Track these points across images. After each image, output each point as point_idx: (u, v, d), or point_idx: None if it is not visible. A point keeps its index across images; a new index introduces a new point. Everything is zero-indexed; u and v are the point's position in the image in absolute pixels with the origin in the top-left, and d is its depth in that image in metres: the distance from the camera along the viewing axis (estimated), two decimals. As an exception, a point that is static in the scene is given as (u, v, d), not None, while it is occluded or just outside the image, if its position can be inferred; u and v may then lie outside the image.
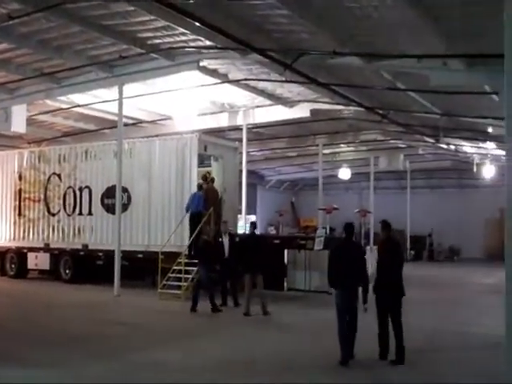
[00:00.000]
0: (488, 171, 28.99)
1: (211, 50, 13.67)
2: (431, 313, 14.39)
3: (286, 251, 17.49)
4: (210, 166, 19.26)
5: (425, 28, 10.66)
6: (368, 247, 25.61)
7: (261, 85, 17.51)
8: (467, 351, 10.51)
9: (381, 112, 18.55)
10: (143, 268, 18.88)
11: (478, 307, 15.94)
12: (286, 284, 17.48)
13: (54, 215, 20.78)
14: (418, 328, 11.60)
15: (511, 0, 6.30)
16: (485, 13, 9.56)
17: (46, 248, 20.61)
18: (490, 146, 24.20)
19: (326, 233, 18.48)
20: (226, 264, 15.19)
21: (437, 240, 38.21)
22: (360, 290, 9.32)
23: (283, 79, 15.27)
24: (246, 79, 16.44)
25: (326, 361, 9.03)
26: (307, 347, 10.27)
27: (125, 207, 18.36)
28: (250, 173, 26.38)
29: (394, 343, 9.02)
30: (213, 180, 17.91)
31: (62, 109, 20.50)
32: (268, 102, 19.34)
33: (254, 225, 15.37)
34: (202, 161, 19.11)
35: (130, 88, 16.80)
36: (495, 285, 19.15)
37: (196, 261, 15.77)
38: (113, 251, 17.04)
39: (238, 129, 21.67)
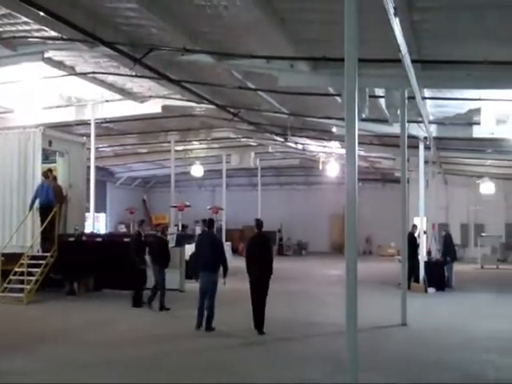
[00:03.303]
0: (332, 169, 30.48)
1: (57, 41, 12.99)
2: (283, 304, 14.89)
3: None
4: (55, 162, 18.47)
5: (273, 30, 10.89)
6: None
7: (110, 79, 16.97)
8: (314, 339, 11.08)
9: (232, 110, 18.79)
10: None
11: (325, 298, 16.77)
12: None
13: None
14: (271, 318, 12.09)
15: (351, 9, 6.63)
16: (328, 19, 9.97)
17: None
18: (335, 145, 25.46)
19: (177, 230, 18.47)
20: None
21: (286, 235, 39.55)
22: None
23: (133, 74, 14.93)
24: (93, 72, 15.85)
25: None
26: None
27: (-40, 205, 17.07)
28: (98, 169, 25.62)
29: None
30: (55, 178, 17.24)
31: None
32: (118, 96, 18.81)
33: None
34: (47, 156, 18.30)
35: (-34, 78, 15.58)
36: (339, 276, 20.24)
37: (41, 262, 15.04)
38: None
39: (86, 123, 20.87)
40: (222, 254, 12.09)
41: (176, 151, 27.26)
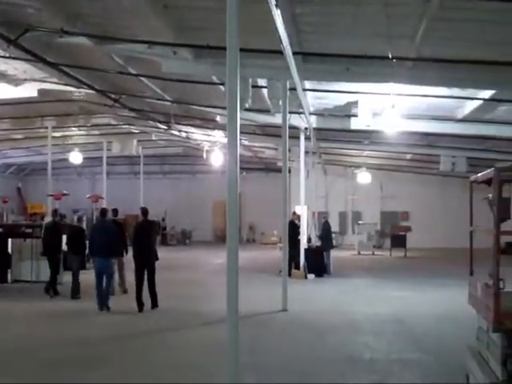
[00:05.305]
0: (217, 158, 30.57)
1: None
2: (169, 294, 14.79)
3: (9, 240, 16.46)
4: None
5: (155, 15, 10.68)
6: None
7: (-18, 60, 15.93)
8: (199, 327, 11.20)
9: (113, 96, 18.30)
10: None
11: (209, 286, 16.82)
12: (10, 276, 16.45)
13: None
14: (159, 308, 12.69)
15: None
16: (211, 7, 9.93)
17: None
18: (219, 134, 25.55)
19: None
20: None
21: (170, 224, 39.14)
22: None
23: (7, 55, 14.10)
24: (-38, 52, 14.81)
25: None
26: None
27: None
28: (-31, 156, 24.08)
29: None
30: None
31: None
32: (-10, 78, 17.72)
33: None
34: None
35: None
36: (223, 264, 20.41)
37: None
38: None
39: (-45, 107, 19.55)
40: (116, 240, 13.24)
41: (53, 137, 26.19)
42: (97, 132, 29.07)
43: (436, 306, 13.78)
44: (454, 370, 7.83)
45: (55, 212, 16.55)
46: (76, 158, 30.78)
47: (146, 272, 12.71)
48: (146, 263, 12.66)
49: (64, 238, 15.48)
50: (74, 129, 27.72)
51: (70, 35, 11.96)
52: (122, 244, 14.53)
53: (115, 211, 15.78)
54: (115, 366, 8.52)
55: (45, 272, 15.76)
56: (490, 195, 5.57)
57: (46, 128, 25.26)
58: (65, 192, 23.75)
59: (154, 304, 12.80)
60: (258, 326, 11.17)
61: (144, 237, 12.79)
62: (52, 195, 23.85)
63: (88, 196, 26.46)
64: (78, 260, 14.61)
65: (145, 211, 13.21)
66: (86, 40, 12.31)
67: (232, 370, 6.56)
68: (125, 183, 38.04)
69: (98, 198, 26.74)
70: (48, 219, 18.76)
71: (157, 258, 12.94)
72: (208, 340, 9.93)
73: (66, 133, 28.33)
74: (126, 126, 26.99)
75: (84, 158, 31.54)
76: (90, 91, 17.48)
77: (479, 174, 6.25)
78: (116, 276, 14.97)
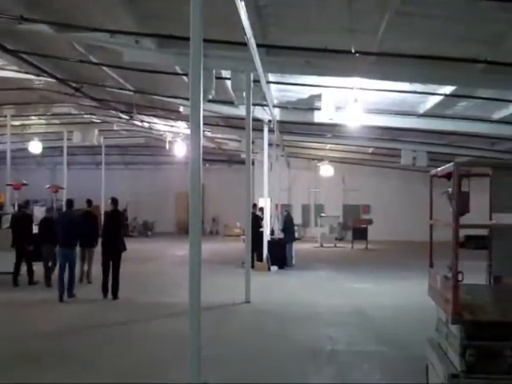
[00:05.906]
0: (180, 149, 30.36)
1: None
2: (132, 284, 14.72)
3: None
4: None
5: (118, 4, 10.53)
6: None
7: None
8: (163, 319, 11.18)
9: (74, 85, 17.99)
10: None
11: (173, 278, 16.74)
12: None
13: None
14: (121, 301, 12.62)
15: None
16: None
17: None
18: (182, 125, 25.38)
19: (14, 209, 17.67)
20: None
21: (132, 215, 38.72)
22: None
23: (-37, 41, 13.71)
24: None
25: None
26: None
27: None
28: None
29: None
30: None
31: None
32: None
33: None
34: None
35: None
36: (185, 256, 20.30)
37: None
38: None
39: None
40: (81, 231, 13.50)
41: (12, 126, 25.65)
42: (57, 121, 28.58)
43: (396, 298, 13.99)
44: (413, 360, 7.96)
45: (27, 203, 16.47)
46: (36, 147, 30.16)
47: (111, 262, 13.02)
48: (113, 253, 13.01)
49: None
50: (33, 118, 27.21)
51: (30, 22, 11.69)
52: (95, 235, 14.73)
53: (89, 202, 15.95)
54: (79, 359, 8.37)
55: (5, 263, 15.46)
56: (450, 189, 5.65)
57: (5, 116, 24.75)
58: (24, 182, 23.29)
59: (115, 295, 12.98)
60: (220, 318, 11.17)
61: (113, 226, 13.22)
62: (11, 185, 23.37)
63: (48, 186, 25.97)
64: (52, 249, 14.36)
65: (115, 201, 13.50)
66: (47, 28, 12.05)
67: (194, 362, 6.54)
68: (86, 173, 37.47)
69: (58, 188, 26.30)
70: (9, 210, 18.46)
71: (125, 248, 13.36)
72: (171, 332, 9.87)
73: (26, 122, 27.79)
74: (88, 116, 26.59)
75: (44, 148, 30.93)
76: (51, 80, 17.15)
77: (439, 169, 6.33)
78: (85, 266, 15.16)
